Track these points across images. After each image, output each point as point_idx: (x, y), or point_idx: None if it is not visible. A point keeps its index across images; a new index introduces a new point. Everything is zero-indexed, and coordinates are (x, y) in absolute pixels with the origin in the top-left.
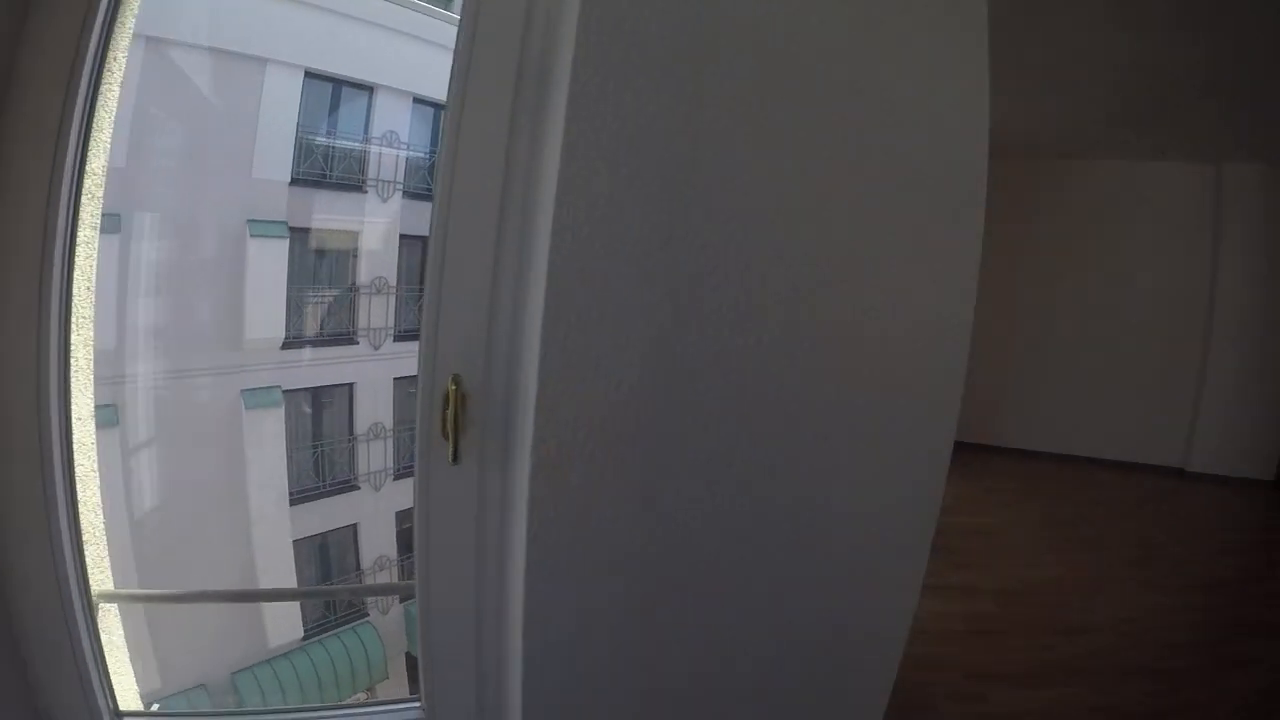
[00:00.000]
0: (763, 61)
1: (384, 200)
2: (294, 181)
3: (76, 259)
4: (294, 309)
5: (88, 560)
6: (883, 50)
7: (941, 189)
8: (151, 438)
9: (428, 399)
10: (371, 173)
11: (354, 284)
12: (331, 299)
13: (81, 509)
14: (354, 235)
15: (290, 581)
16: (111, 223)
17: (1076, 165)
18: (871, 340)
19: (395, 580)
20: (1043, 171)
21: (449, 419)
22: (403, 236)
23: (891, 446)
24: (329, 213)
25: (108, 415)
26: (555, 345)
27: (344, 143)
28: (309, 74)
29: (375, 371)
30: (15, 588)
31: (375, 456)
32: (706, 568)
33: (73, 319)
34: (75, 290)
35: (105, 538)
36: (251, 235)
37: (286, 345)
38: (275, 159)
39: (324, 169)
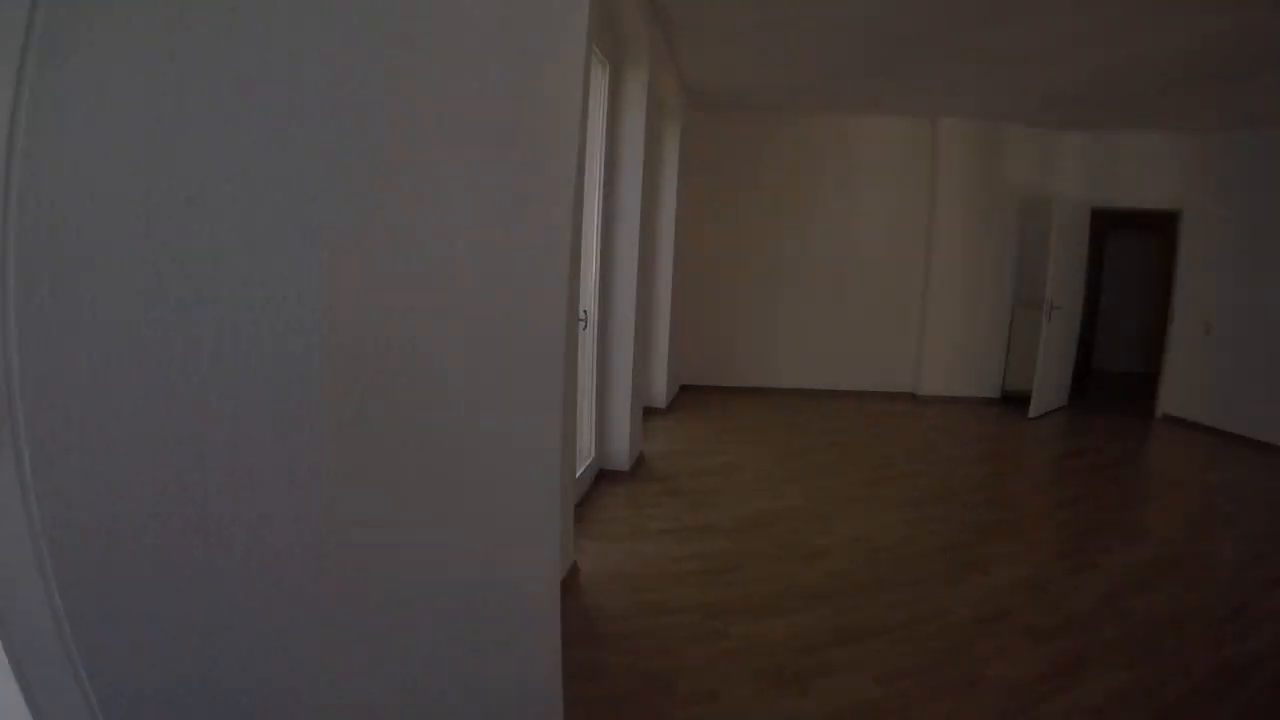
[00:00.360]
0: None
1: None
2: None
3: None
4: None
5: None
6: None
7: (527, 176)
8: None
9: None
10: None
11: None
12: None
13: None
14: None
15: None
16: None
17: (802, 120)
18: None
19: None
20: (769, 126)
21: None
22: None
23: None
24: None
25: None
26: (27, 318)
27: None
28: None
29: None
30: None
31: None
32: (269, 557)
33: None
34: None
35: None
36: None
37: None
38: None
39: None
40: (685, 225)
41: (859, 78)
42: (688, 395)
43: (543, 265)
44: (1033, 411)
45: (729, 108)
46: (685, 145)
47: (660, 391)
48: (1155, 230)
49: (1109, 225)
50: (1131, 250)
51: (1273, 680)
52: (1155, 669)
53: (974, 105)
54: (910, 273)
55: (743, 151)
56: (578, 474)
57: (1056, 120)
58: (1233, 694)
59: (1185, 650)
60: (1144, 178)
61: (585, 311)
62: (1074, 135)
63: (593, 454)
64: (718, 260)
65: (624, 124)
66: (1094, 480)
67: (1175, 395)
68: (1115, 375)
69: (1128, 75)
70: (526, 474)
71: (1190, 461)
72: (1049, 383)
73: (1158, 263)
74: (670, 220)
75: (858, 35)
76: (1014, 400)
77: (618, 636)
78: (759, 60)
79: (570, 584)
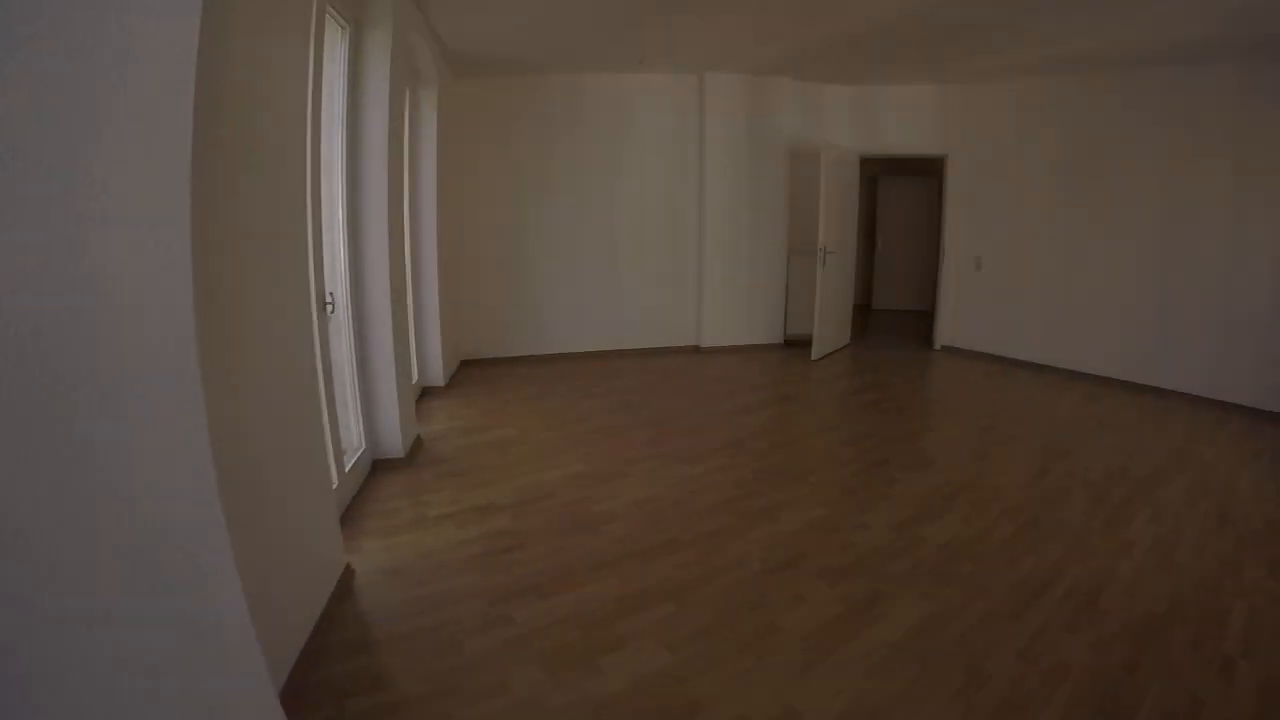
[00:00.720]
0: None
1: None
2: None
3: None
4: None
5: None
6: None
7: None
8: None
9: None
10: None
11: None
12: None
13: None
14: None
15: None
16: None
17: (568, 80)
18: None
19: None
20: (535, 88)
21: None
22: None
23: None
24: None
25: None
26: None
27: None
28: None
29: None
30: None
31: None
32: None
33: None
34: None
35: None
36: None
37: None
38: None
39: None
40: (451, 195)
41: (623, 36)
42: (469, 370)
43: (151, 252)
44: (815, 354)
45: (491, 71)
46: (446, 112)
47: (437, 369)
48: (925, 174)
49: (881, 171)
50: (904, 194)
51: (1068, 591)
52: (952, 595)
53: (740, 60)
54: (685, 227)
55: (509, 115)
56: (347, 468)
57: (822, 74)
58: (1031, 610)
59: (980, 573)
60: (910, 125)
61: (331, 294)
62: (841, 88)
63: (363, 445)
64: (490, 229)
65: (367, 91)
66: (878, 415)
67: (951, 327)
68: (896, 313)
69: (887, 29)
70: (175, 476)
71: (969, 388)
72: (829, 325)
73: (929, 205)
74: (432, 191)
75: None
76: (797, 345)
77: (398, 638)
78: (518, 19)
79: (344, 589)
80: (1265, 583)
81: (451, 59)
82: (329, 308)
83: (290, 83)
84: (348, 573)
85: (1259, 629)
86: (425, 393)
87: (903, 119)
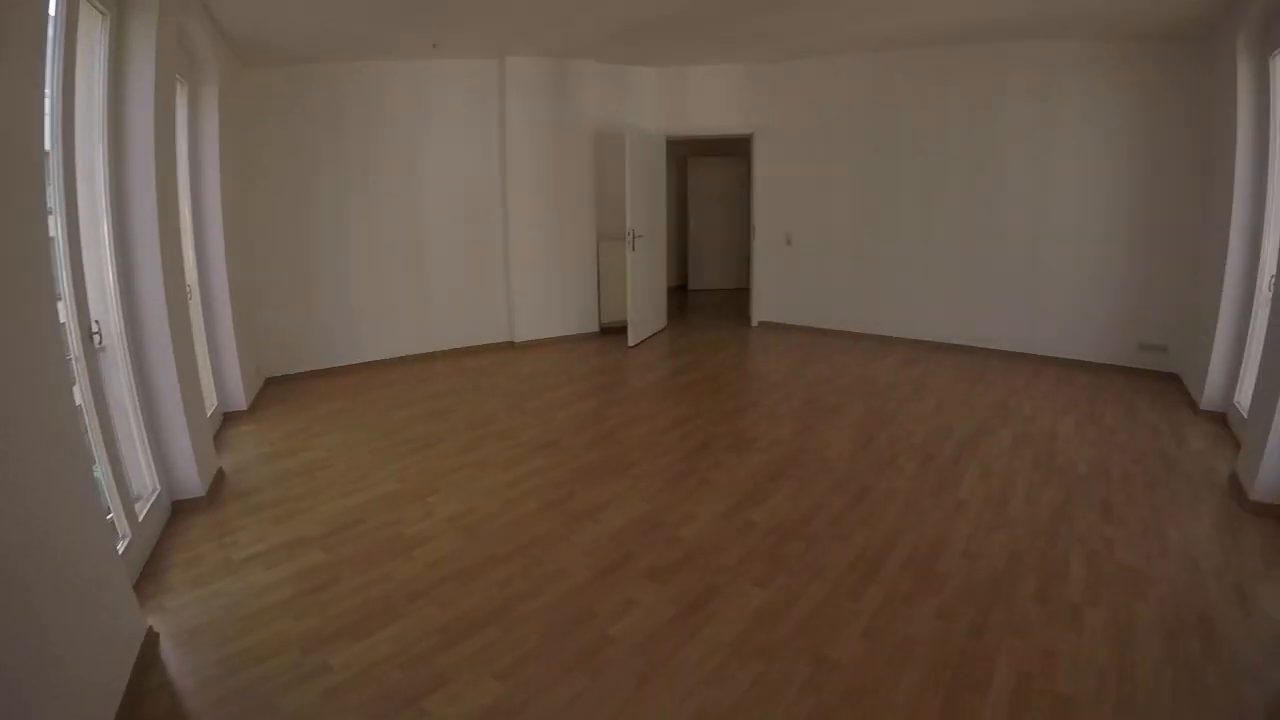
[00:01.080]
0: None
1: None
2: None
3: None
4: None
5: None
6: None
7: None
8: None
9: None
10: None
11: None
12: None
13: None
14: None
15: None
16: None
17: (364, 69)
18: None
19: None
20: (329, 78)
21: None
22: None
23: None
24: None
25: None
26: None
27: None
28: None
29: None
30: None
31: None
32: None
33: None
34: None
35: None
36: None
37: None
38: None
39: None
40: (241, 198)
41: (410, 18)
42: (275, 389)
43: None
44: (632, 340)
45: (281, 60)
46: (230, 106)
47: (238, 392)
48: (735, 154)
49: (691, 152)
50: (715, 174)
51: (906, 560)
52: (788, 580)
53: (540, 43)
54: (491, 219)
55: (302, 108)
56: (141, 517)
57: (627, 56)
58: (870, 585)
59: (813, 553)
60: (717, 105)
61: (98, 323)
62: (646, 69)
63: (158, 488)
64: (286, 233)
65: (132, 85)
66: (697, 397)
67: (767, 303)
68: (713, 293)
69: (680, 11)
70: None
71: (788, 362)
72: (644, 309)
73: (740, 184)
74: (216, 194)
75: None
76: (613, 332)
77: (209, 705)
78: (305, 4)
79: (148, 657)
80: (1099, 527)
81: (237, 48)
82: (96, 339)
83: (22, 81)
84: (150, 637)
85: (1100, 574)
86: (227, 419)
87: (709, 99)
